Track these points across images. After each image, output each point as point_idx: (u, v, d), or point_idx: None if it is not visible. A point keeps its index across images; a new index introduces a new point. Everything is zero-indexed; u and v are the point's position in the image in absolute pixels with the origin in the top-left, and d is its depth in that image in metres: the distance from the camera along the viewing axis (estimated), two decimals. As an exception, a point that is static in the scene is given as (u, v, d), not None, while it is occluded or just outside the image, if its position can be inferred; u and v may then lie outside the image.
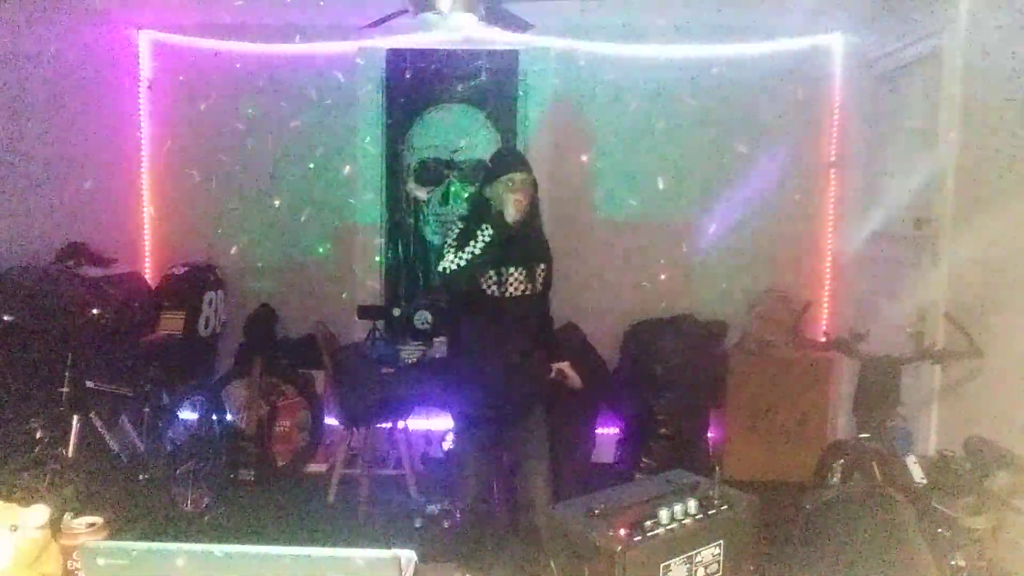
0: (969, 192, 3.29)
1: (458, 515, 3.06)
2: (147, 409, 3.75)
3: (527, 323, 2.97)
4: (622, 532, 1.30)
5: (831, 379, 4.55)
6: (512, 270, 2.88)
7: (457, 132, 4.82)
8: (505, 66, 4.78)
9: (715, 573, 1.39)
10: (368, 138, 4.84)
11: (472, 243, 2.74)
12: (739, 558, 1.42)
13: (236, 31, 4.71)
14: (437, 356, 4.14)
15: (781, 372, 4.48)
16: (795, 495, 2.87)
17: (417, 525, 3.83)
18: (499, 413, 2.94)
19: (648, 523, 1.34)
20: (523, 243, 2.87)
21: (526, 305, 2.94)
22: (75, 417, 3.20)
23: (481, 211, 2.87)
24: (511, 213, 2.76)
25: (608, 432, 4.67)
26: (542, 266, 2.99)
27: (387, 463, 4.34)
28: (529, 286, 2.91)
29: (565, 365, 3.14)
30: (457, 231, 2.83)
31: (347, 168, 4.84)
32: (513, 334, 2.92)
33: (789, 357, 4.48)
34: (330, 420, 4.55)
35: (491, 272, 2.86)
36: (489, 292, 2.87)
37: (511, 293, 2.88)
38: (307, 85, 4.75)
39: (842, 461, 3.03)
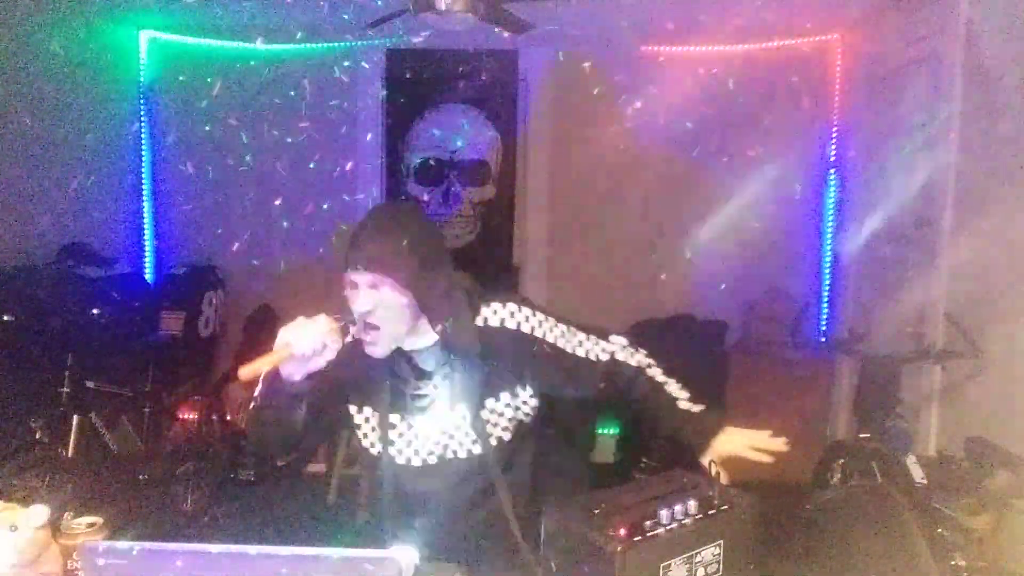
0: (969, 192, 3.29)
1: None
2: (147, 409, 3.75)
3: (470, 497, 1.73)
4: (622, 532, 1.30)
5: (831, 379, 4.55)
6: (396, 420, 1.66)
7: (457, 132, 4.82)
8: (505, 66, 4.78)
9: (715, 573, 1.39)
10: (368, 138, 4.84)
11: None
12: (739, 558, 1.42)
13: (236, 31, 4.71)
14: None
15: (781, 372, 4.47)
16: (795, 495, 2.87)
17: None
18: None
19: (648, 523, 1.34)
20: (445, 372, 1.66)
21: (459, 474, 1.70)
22: (75, 417, 3.20)
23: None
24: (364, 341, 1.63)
25: (608, 432, 4.67)
26: (495, 400, 1.68)
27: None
28: (459, 445, 1.68)
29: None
30: None
31: (347, 168, 4.83)
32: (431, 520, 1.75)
33: (789, 357, 4.48)
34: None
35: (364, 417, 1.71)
36: (370, 449, 1.71)
37: (409, 460, 1.69)
38: (307, 85, 4.75)
39: (842, 461, 3.03)
